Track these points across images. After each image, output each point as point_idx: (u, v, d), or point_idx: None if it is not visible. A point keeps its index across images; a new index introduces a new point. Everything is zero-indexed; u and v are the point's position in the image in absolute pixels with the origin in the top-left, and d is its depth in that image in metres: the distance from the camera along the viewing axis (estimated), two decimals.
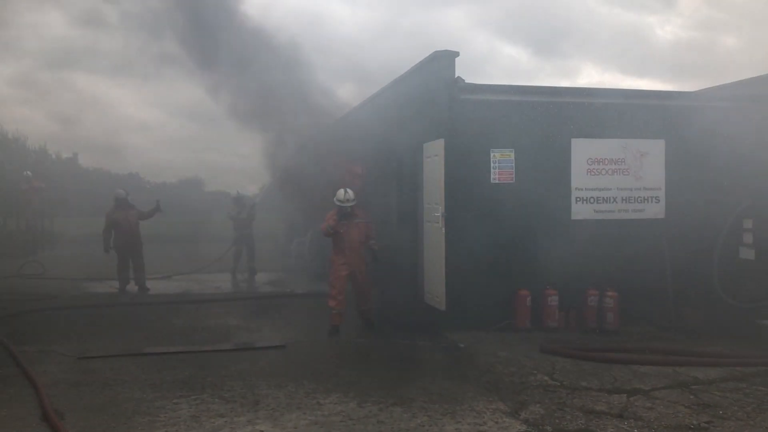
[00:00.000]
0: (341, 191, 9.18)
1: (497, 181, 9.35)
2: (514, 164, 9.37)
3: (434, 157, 9.63)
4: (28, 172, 21.63)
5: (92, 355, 7.71)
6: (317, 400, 6.05)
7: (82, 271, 15.41)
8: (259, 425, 5.41)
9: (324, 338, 8.81)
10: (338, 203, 9.11)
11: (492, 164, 9.34)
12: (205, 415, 5.65)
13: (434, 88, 9.57)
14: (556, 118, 9.52)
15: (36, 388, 6.21)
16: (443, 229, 9.24)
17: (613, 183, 9.72)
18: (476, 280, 9.17)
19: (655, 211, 9.85)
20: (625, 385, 6.54)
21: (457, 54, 9.31)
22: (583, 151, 9.62)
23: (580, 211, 9.63)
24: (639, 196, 9.79)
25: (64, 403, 5.90)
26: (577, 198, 9.63)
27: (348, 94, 13.90)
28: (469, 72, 9.41)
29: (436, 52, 9.45)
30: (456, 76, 9.28)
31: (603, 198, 9.68)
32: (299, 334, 9.04)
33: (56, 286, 13.39)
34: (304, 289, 13.07)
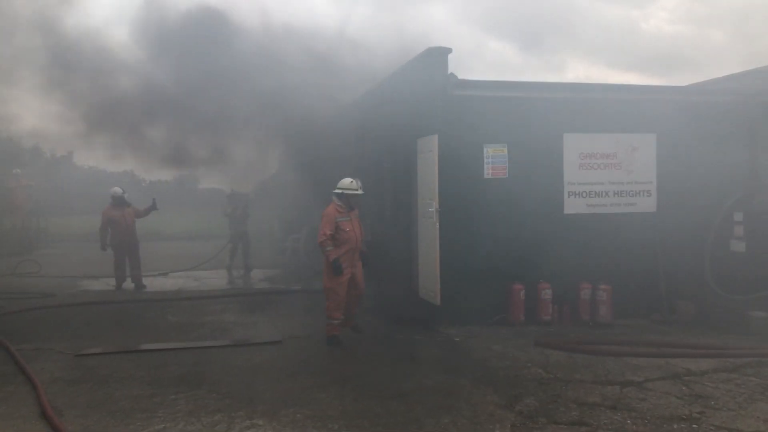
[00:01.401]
0: (348, 179, 8.42)
1: (490, 177, 9.41)
2: (507, 159, 9.43)
3: (428, 152, 9.67)
4: (17, 170, 21.54)
5: (90, 353, 7.74)
6: (314, 395, 6.10)
7: (78, 269, 15.43)
8: (257, 420, 5.47)
9: (319, 334, 8.70)
10: (350, 192, 8.32)
11: (485, 160, 9.40)
12: (203, 410, 5.70)
13: (427, 84, 9.59)
14: (549, 114, 9.57)
15: (34, 385, 6.25)
16: (437, 224, 9.30)
17: (605, 177, 9.79)
18: (470, 275, 9.24)
19: (647, 204, 9.92)
20: (618, 377, 6.61)
21: (450, 50, 9.35)
22: (575, 145, 9.69)
23: (572, 206, 9.70)
24: (631, 190, 9.87)
25: (63, 401, 5.95)
26: (569, 192, 9.70)
27: (333, 91, 13.82)
28: (455, 68, 9.46)
29: (429, 48, 9.49)
30: (449, 72, 9.33)
31: (595, 192, 9.75)
32: (295, 330, 9.07)
33: (52, 284, 13.39)
34: (300, 286, 13.10)
